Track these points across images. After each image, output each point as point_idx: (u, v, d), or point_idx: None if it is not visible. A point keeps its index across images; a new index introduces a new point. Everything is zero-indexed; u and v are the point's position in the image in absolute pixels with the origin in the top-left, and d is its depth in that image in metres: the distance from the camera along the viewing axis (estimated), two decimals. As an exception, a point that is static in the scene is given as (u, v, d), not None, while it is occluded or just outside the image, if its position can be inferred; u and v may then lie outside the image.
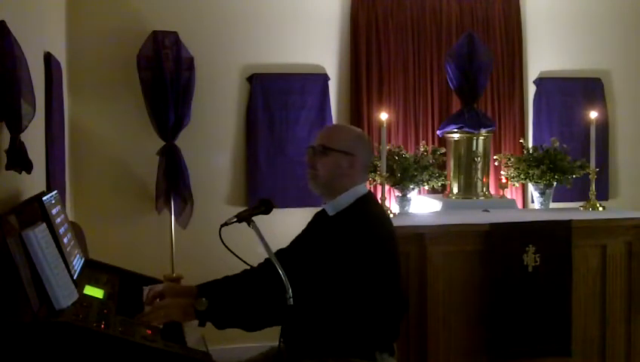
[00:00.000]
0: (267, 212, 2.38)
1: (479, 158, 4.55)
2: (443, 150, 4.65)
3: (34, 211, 2.33)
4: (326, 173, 2.49)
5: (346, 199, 2.50)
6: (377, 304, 2.40)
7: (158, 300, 2.50)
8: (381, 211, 2.62)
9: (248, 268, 2.51)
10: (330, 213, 2.54)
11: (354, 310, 2.34)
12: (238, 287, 2.59)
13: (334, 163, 2.48)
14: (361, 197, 2.51)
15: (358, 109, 4.93)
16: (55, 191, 2.70)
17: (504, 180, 4.71)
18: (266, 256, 2.32)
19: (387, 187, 4.36)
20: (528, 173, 4.56)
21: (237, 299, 2.42)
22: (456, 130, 4.57)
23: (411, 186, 4.47)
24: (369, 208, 2.51)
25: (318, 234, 2.58)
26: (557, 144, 4.62)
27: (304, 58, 4.88)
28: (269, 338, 2.64)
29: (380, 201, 2.62)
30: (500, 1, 5.13)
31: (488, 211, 4.24)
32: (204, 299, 2.31)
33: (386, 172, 4.14)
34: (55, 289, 1.95)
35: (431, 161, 4.54)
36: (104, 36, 4.56)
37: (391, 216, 4.05)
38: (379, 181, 4.22)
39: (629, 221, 3.90)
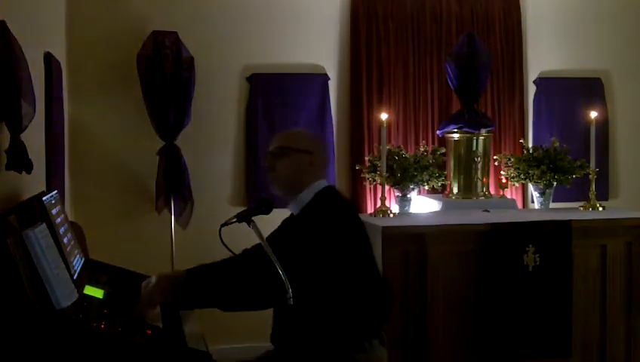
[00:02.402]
0: (267, 212, 2.39)
1: (479, 158, 4.55)
2: (443, 150, 4.65)
3: (34, 211, 2.32)
4: (287, 173, 2.55)
5: (307, 195, 2.55)
6: (356, 291, 2.42)
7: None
8: (343, 200, 2.67)
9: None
10: (296, 212, 2.59)
11: (334, 301, 2.37)
12: (220, 267, 2.58)
13: (294, 162, 2.55)
14: (321, 191, 2.56)
15: (358, 109, 4.93)
16: (55, 191, 2.70)
17: (504, 180, 4.71)
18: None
19: (387, 187, 4.36)
20: (528, 173, 4.56)
21: (216, 275, 2.43)
22: (456, 130, 4.57)
23: (411, 186, 4.47)
24: (331, 199, 2.56)
25: (286, 236, 2.62)
26: (557, 144, 4.62)
27: (304, 58, 4.88)
28: (268, 339, 2.64)
29: (342, 193, 2.71)
30: (500, 1, 5.13)
31: (488, 211, 4.24)
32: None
33: (386, 172, 4.14)
34: (55, 289, 1.95)
35: (431, 161, 4.54)
36: (104, 36, 4.56)
37: (391, 216, 4.06)
38: (379, 181, 4.23)
39: (629, 221, 3.91)
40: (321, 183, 2.59)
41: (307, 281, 2.32)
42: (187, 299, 2.32)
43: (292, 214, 2.64)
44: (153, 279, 2.54)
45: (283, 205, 2.57)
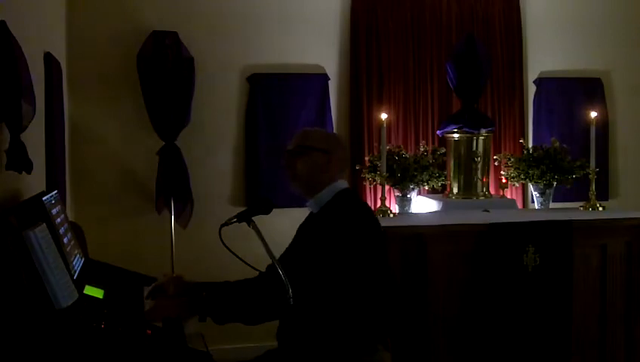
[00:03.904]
0: (267, 212, 2.40)
1: (479, 158, 4.55)
2: (443, 150, 4.65)
3: (34, 211, 2.32)
4: (306, 171, 2.56)
5: (326, 194, 2.57)
6: (367, 294, 2.44)
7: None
8: (362, 203, 2.69)
9: (248, 268, 2.52)
10: (315, 210, 2.61)
11: (345, 302, 2.38)
12: (237, 285, 2.61)
13: (313, 161, 2.56)
14: (340, 192, 2.58)
15: (358, 109, 4.93)
16: (55, 191, 2.70)
17: (504, 180, 4.71)
18: (266, 259, 2.33)
19: (387, 187, 4.36)
20: (528, 173, 4.56)
21: (236, 292, 2.47)
22: (456, 130, 4.57)
23: (411, 186, 4.47)
24: (350, 201, 2.58)
25: (306, 235, 2.64)
26: (557, 144, 4.62)
27: (304, 58, 4.88)
28: (269, 338, 2.65)
29: (359, 196, 2.71)
30: (500, 1, 5.13)
31: (488, 211, 4.24)
32: (203, 293, 2.33)
33: (386, 172, 4.14)
34: (55, 289, 1.95)
35: (431, 161, 4.54)
36: (104, 36, 4.56)
37: (391, 216, 4.06)
38: (379, 181, 4.22)
39: (629, 221, 3.90)
40: (342, 184, 2.61)
41: (319, 280, 2.34)
42: (210, 314, 2.34)
43: (311, 213, 2.66)
44: (163, 279, 2.56)
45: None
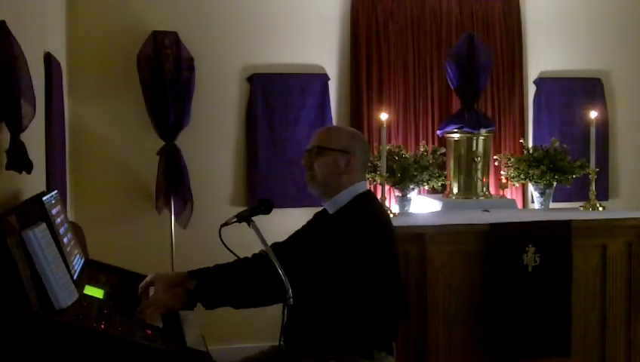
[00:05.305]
0: (267, 212, 2.39)
1: (479, 158, 4.54)
2: (443, 150, 4.65)
3: (34, 211, 2.32)
4: (324, 173, 2.51)
5: (345, 197, 2.52)
6: (375, 300, 2.43)
7: (151, 290, 2.51)
8: (380, 209, 2.65)
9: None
10: (331, 211, 2.57)
11: (352, 306, 2.37)
12: (228, 268, 2.59)
13: (331, 162, 2.51)
14: (360, 195, 2.54)
15: (358, 109, 4.93)
16: (55, 191, 2.70)
17: (504, 180, 4.71)
18: (266, 259, 2.33)
19: (387, 187, 4.36)
20: (528, 173, 4.56)
21: (226, 276, 2.46)
22: (456, 130, 4.57)
23: (411, 186, 4.47)
24: (368, 205, 2.53)
25: (318, 232, 2.61)
26: (557, 144, 4.62)
27: (304, 58, 4.88)
28: (269, 338, 2.65)
29: (379, 200, 2.65)
30: (500, 1, 5.13)
31: (488, 211, 4.24)
32: (194, 280, 2.38)
33: (386, 172, 4.14)
34: (55, 289, 1.95)
35: (431, 161, 4.54)
36: (104, 36, 4.56)
37: (391, 215, 4.05)
38: (379, 181, 4.22)
39: (629, 221, 3.90)
40: (361, 186, 2.56)
41: (328, 280, 2.34)
42: (202, 301, 2.33)
43: (325, 210, 2.61)
44: (149, 277, 2.54)
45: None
